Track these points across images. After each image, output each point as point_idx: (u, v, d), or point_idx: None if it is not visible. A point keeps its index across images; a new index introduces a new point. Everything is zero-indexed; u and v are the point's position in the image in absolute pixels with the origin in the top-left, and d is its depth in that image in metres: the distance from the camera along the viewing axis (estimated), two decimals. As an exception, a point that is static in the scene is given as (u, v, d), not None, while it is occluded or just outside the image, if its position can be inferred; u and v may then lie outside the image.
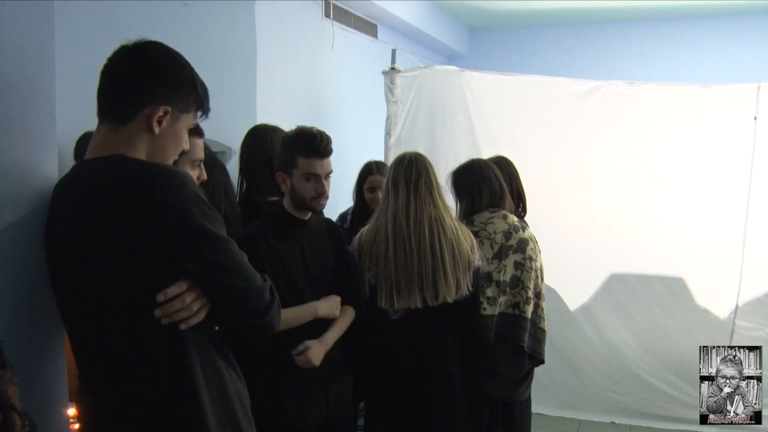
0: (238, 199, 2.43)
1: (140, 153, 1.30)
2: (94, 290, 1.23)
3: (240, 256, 1.32)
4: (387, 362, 2.33)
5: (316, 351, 2.04)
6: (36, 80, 1.35)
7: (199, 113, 1.39)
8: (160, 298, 1.22)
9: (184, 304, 1.24)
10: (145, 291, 1.22)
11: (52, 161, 1.39)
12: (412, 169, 2.32)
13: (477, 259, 2.40)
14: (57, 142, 1.41)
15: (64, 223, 1.26)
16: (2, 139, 1.27)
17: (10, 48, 1.28)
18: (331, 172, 2.12)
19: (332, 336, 2.10)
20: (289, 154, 2.08)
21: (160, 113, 1.29)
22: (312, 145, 2.06)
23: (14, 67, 1.29)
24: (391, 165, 2.42)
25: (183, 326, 1.25)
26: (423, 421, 2.34)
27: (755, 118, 3.74)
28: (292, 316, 2.01)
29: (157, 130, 1.29)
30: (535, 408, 2.96)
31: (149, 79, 1.29)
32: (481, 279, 2.58)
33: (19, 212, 1.31)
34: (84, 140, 1.99)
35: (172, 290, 1.23)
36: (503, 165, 2.88)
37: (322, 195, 2.08)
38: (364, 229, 2.38)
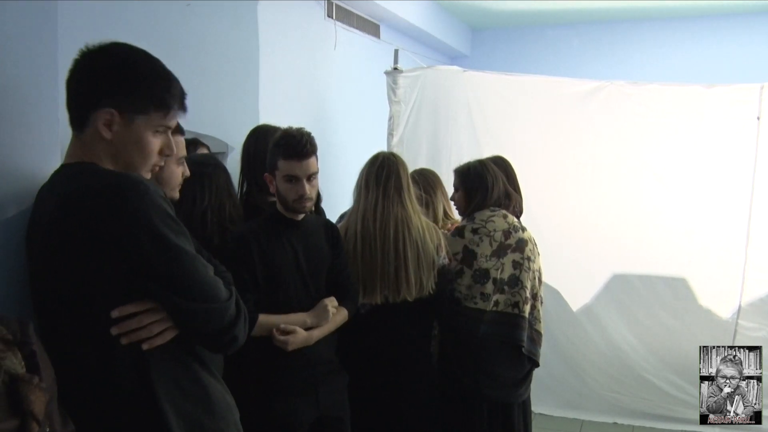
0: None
1: (105, 161, 1.27)
2: (62, 298, 1.22)
3: (202, 270, 1.26)
4: (357, 354, 2.35)
5: (299, 338, 2.02)
6: (39, 80, 1.36)
7: (174, 110, 1.31)
8: (115, 313, 1.20)
9: (141, 324, 1.22)
10: (105, 303, 1.20)
11: (55, 161, 1.39)
12: (383, 170, 2.35)
13: (443, 257, 2.44)
14: (60, 142, 1.42)
15: (39, 228, 1.25)
16: (5, 139, 1.28)
17: (13, 48, 1.29)
18: (315, 172, 2.05)
19: (318, 333, 2.08)
20: (272, 156, 2.07)
21: (107, 116, 1.24)
22: (290, 146, 2.01)
23: (17, 67, 1.30)
24: (365, 164, 2.44)
25: (145, 346, 1.22)
26: (392, 413, 2.37)
27: (758, 118, 3.75)
28: (280, 324, 2.01)
29: (107, 134, 1.25)
30: (537, 408, 2.97)
31: (92, 83, 1.25)
32: (480, 276, 2.61)
33: (21, 212, 1.32)
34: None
35: (128, 308, 1.21)
36: (500, 164, 2.90)
37: (303, 197, 2.03)
38: (338, 227, 2.40)
